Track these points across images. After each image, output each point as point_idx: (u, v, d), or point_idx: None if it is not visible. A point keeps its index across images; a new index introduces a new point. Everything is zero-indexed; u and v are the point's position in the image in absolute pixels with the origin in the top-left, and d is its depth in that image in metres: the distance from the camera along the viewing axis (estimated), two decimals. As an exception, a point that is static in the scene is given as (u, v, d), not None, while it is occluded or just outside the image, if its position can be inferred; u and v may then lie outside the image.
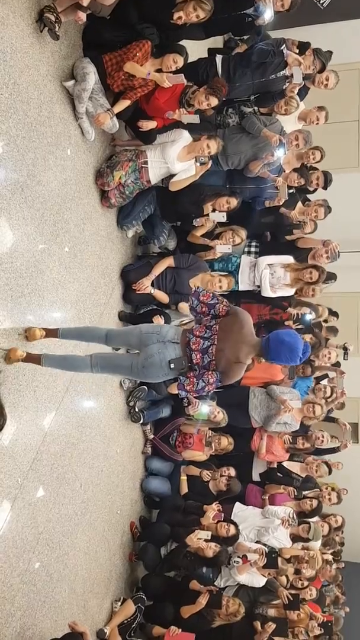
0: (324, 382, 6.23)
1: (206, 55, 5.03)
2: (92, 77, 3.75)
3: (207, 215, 4.84)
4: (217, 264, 5.28)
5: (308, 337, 5.41)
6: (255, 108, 4.98)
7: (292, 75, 4.69)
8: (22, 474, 3.20)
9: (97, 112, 3.91)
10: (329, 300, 6.11)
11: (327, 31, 7.79)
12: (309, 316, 5.45)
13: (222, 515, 4.95)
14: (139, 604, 4.35)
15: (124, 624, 4.22)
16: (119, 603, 4.41)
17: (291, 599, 4.95)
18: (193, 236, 5.08)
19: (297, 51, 4.70)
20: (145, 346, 3.26)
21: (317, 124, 5.24)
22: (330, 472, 5.97)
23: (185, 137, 4.40)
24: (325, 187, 5.50)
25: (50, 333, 3.32)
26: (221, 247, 4.94)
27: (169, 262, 4.83)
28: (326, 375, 6.46)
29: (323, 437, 5.83)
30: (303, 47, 4.74)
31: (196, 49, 4.87)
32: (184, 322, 5.06)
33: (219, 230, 5.10)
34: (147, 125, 4.24)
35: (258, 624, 4.68)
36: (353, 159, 8.55)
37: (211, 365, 3.18)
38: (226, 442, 5.29)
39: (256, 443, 5.62)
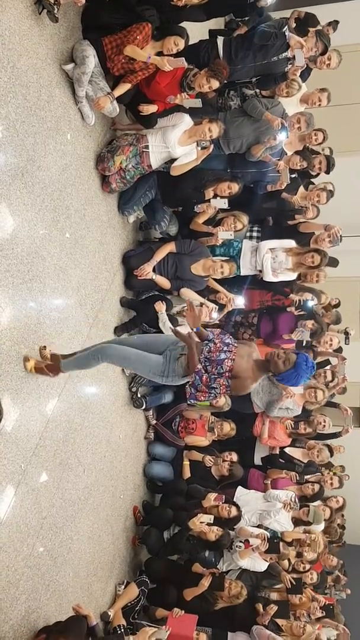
0: (326, 367, 6.24)
1: (207, 37, 4.97)
2: (91, 60, 3.70)
3: (209, 201, 4.81)
4: (218, 249, 5.26)
5: (310, 324, 5.41)
6: (257, 90, 4.92)
7: (294, 57, 4.63)
8: (25, 460, 3.21)
9: (97, 96, 3.87)
10: (330, 285, 6.08)
11: (329, 11, 7.65)
12: (311, 302, 5.43)
13: (224, 497, 4.99)
14: (143, 587, 4.41)
15: (128, 607, 4.28)
16: (123, 586, 4.46)
17: (294, 583, 5.00)
18: (195, 223, 5.05)
19: (294, 25, 4.62)
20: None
21: (320, 105, 5.19)
22: (332, 454, 6.00)
23: (186, 121, 4.36)
24: (327, 172, 5.45)
25: (52, 365, 3.32)
26: (223, 234, 4.91)
27: (170, 247, 4.80)
28: (328, 361, 6.46)
29: (325, 421, 5.85)
30: (302, 24, 4.65)
31: (197, 31, 4.81)
32: (186, 308, 5.05)
33: (221, 215, 5.07)
34: (148, 109, 4.19)
35: (260, 606, 4.74)
36: (357, 142, 8.46)
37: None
38: (228, 428, 5.31)
39: (258, 428, 5.65)
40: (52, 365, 3.30)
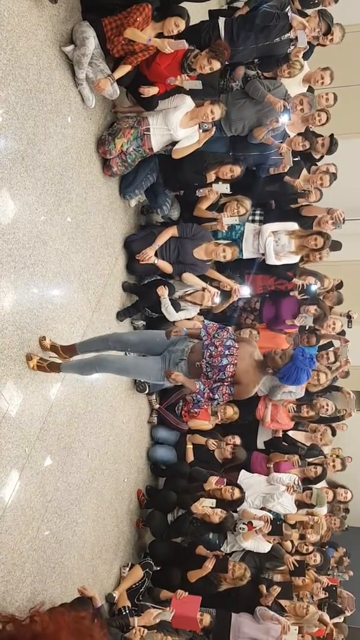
0: (329, 349, 6.24)
1: (207, 17, 4.90)
2: (91, 41, 3.65)
3: (211, 184, 4.77)
4: (221, 232, 5.23)
5: (313, 309, 5.39)
6: (259, 72, 4.87)
7: (296, 39, 4.57)
8: (30, 444, 3.23)
9: (98, 78, 3.82)
10: (333, 269, 6.07)
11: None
12: (314, 286, 5.41)
13: (225, 480, 5.02)
14: (147, 569, 4.45)
15: (133, 588, 4.32)
16: (127, 568, 4.50)
17: (297, 565, 5.04)
18: (199, 210, 5.02)
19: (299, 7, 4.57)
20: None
21: (322, 83, 5.13)
22: (334, 434, 6.02)
23: (187, 103, 4.31)
24: (330, 152, 5.40)
25: (54, 365, 3.34)
26: (228, 220, 4.89)
27: (172, 231, 4.78)
28: (331, 344, 6.46)
29: (327, 405, 5.86)
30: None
31: (197, 11, 4.74)
32: (188, 293, 5.04)
33: (224, 200, 5.03)
34: (149, 91, 4.15)
35: (263, 588, 4.79)
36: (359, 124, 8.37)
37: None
38: (232, 412, 5.33)
39: (261, 412, 5.66)
40: (54, 365, 3.32)
